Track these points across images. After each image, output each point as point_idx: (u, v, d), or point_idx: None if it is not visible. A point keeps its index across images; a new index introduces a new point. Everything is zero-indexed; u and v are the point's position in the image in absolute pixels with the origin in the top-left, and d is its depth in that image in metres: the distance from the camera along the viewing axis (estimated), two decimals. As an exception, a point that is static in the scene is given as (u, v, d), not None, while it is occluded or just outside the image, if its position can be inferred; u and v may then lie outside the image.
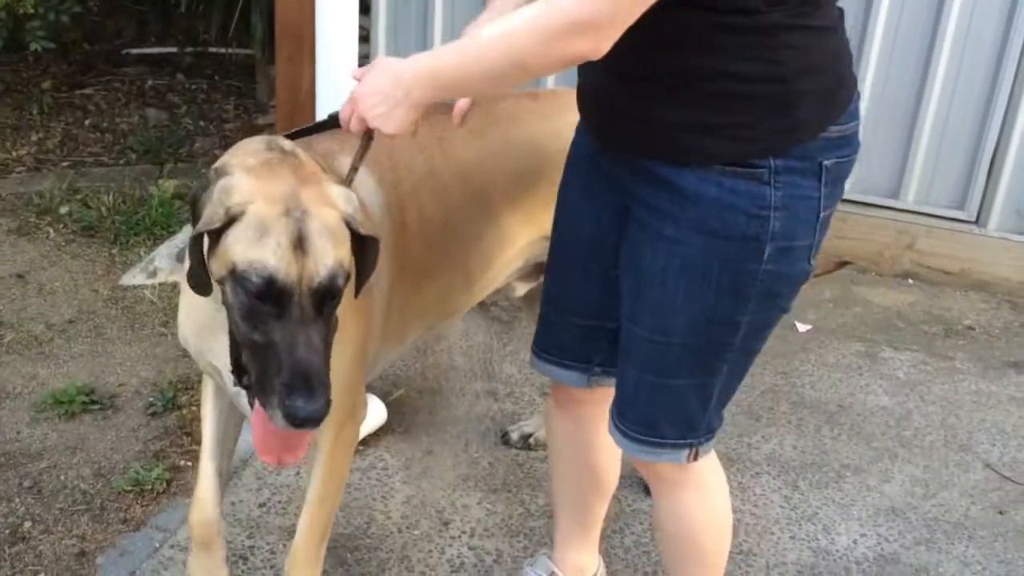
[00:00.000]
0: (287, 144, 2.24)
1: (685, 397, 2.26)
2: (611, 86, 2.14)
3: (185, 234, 4.90)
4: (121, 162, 5.81)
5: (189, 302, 2.48)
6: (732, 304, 2.13)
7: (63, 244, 4.87)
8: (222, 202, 2.05)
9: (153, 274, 4.60)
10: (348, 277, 2.11)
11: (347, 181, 2.27)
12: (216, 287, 2.12)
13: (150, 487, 3.30)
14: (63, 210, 5.09)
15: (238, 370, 2.17)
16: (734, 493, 3.40)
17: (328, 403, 2.03)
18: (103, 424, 3.64)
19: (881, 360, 4.37)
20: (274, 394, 2.02)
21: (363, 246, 2.18)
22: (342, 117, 2.20)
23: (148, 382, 3.87)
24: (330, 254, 2.04)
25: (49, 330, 4.17)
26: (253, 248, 2.01)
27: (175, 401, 3.73)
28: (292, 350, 2.01)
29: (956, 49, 4.77)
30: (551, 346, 2.55)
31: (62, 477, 3.36)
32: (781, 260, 2.09)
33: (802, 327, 4.54)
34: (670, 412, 2.28)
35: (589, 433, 2.66)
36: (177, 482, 3.34)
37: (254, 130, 5.98)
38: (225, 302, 2.11)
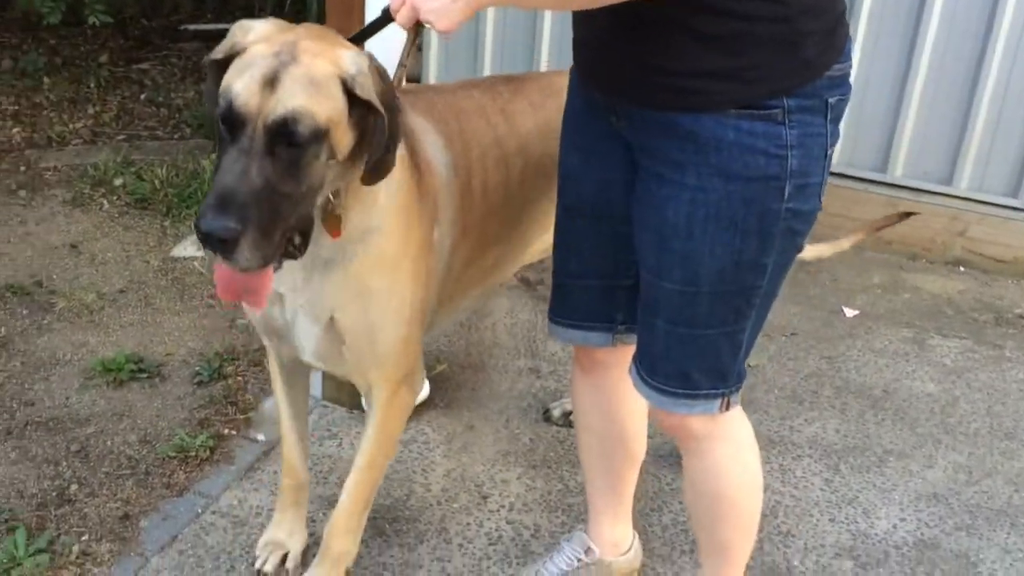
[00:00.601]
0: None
1: (717, 346, 2.27)
2: (616, 40, 2.14)
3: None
4: (175, 136, 5.88)
5: None
6: (759, 246, 2.15)
7: (116, 215, 4.94)
8: (233, 35, 2.12)
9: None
10: (323, 134, 2.05)
11: (396, 80, 2.22)
12: None
13: (194, 454, 3.34)
14: (117, 182, 5.16)
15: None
16: (775, 475, 3.42)
17: (237, 230, 1.96)
18: (150, 392, 3.69)
19: (929, 347, 4.33)
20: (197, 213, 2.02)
21: (372, 123, 2.13)
22: (392, 5, 2.11)
23: (195, 352, 3.92)
24: (298, 97, 2.01)
25: (100, 299, 4.23)
26: (231, 78, 2.04)
27: (221, 371, 3.78)
28: (223, 173, 2.00)
29: (1011, 38, 4.71)
30: (571, 311, 2.57)
31: (108, 442, 3.42)
32: (799, 197, 2.12)
33: (850, 312, 4.51)
34: (703, 362, 2.29)
35: (615, 397, 2.68)
36: (220, 450, 3.39)
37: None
38: None
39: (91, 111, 6.08)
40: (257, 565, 2.94)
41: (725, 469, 2.48)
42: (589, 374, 2.69)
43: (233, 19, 2.31)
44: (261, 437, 3.47)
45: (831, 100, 2.11)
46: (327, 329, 2.46)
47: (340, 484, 3.16)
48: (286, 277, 2.38)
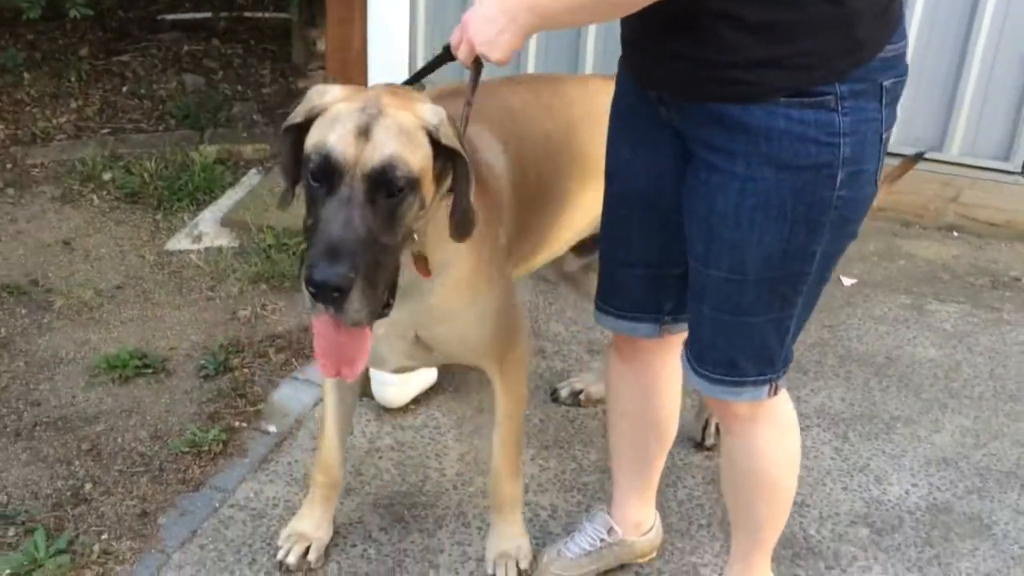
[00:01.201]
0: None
1: (764, 333, 2.28)
2: (664, 35, 2.13)
3: (229, 199, 4.93)
4: (160, 128, 5.83)
5: None
6: (807, 234, 2.15)
7: (107, 210, 4.90)
8: (310, 100, 2.18)
9: (198, 239, 4.64)
10: (416, 183, 2.11)
11: (463, 118, 2.29)
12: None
13: (207, 448, 3.33)
14: (106, 177, 5.12)
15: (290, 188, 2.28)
16: (786, 445, 3.42)
17: (352, 278, 2.01)
18: (157, 387, 3.67)
19: (928, 312, 4.35)
20: (305, 267, 2.05)
21: (455, 166, 2.20)
22: (452, 42, 2.20)
23: (199, 345, 3.91)
24: (391, 145, 2.07)
25: (98, 296, 4.21)
26: (322, 134, 2.10)
27: (227, 364, 3.77)
28: (329, 224, 2.04)
29: (1000, 1, 4.71)
30: (619, 300, 2.57)
31: (119, 440, 3.40)
32: (852, 185, 2.11)
33: (847, 281, 4.53)
34: (750, 350, 2.30)
35: (654, 384, 2.69)
36: (233, 443, 3.38)
37: (292, 94, 5.99)
38: None
39: (74, 105, 6.02)
40: (280, 556, 2.94)
41: (767, 450, 2.49)
42: (630, 362, 2.68)
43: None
44: (272, 429, 3.46)
45: (886, 83, 2.09)
46: (413, 343, 2.55)
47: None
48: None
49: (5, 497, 3.15)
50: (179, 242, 4.64)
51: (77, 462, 3.29)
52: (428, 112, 2.17)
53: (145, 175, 5.07)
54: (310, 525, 2.97)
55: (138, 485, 3.20)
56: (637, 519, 2.93)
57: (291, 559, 2.93)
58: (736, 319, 2.26)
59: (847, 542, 3.12)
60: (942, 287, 4.55)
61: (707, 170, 2.18)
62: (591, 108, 2.84)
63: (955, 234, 4.99)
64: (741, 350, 2.30)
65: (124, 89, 6.28)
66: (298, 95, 5.71)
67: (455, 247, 2.37)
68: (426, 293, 2.44)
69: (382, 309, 2.19)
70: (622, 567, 2.97)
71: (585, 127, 2.86)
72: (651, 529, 2.97)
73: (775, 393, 2.38)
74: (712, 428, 3.37)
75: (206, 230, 4.69)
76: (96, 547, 2.95)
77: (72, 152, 5.42)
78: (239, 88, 6.40)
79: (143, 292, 4.26)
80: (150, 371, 3.74)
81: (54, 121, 5.83)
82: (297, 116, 2.19)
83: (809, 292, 2.27)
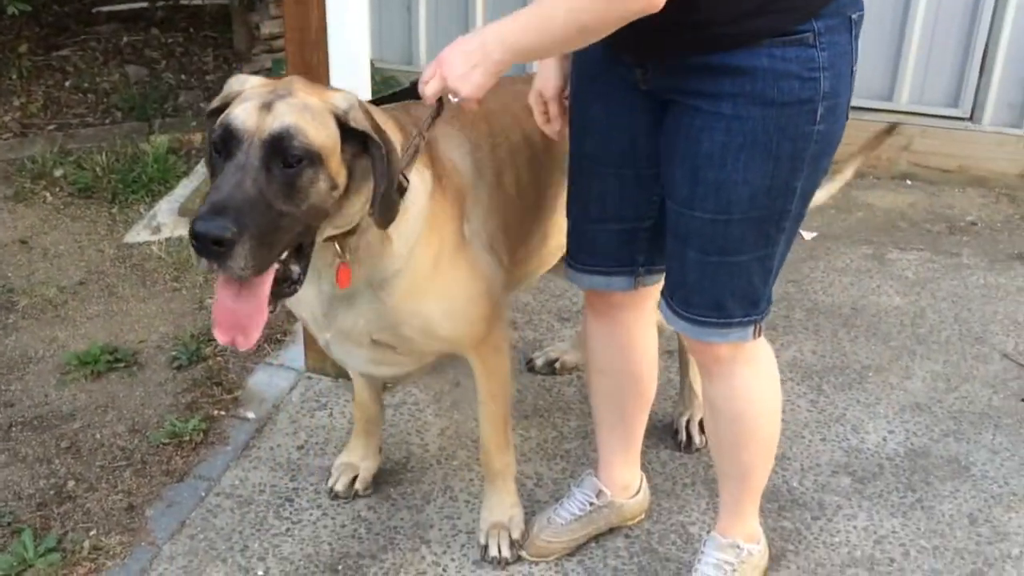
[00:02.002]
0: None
1: (749, 272, 2.33)
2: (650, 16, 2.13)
3: (184, 188, 4.89)
4: (107, 121, 5.76)
5: None
6: (790, 170, 2.21)
7: (61, 207, 4.84)
8: (229, 87, 2.24)
9: (157, 230, 4.59)
10: (316, 158, 2.11)
11: (413, 147, 2.34)
12: None
13: (188, 438, 3.31)
14: (57, 173, 5.06)
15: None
16: (764, 400, 3.46)
17: (233, 231, 1.99)
18: (130, 381, 3.64)
19: (889, 261, 4.41)
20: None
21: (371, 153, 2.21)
22: (423, 77, 2.24)
23: (168, 337, 3.88)
24: (291, 116, 2.10)
25: (61, 293, 4.16)
26: (229, 110, 2.14)
27: (199, 353, 3.74)
28: (217, 186, 2.05)
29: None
30: (593, 257, 2.60)
31: (98, 435, 3.37)
32: (829, 118, 2.19)
33: (807, 235, 4.58)
34: (737, 290, 2.35)
35: (629, 339, 2.73)
36: (214, 431, 3.36)
37: (238, 79, 5.93)
38: None
39: (16, 103, 5.94)
40: (329, 483, 3.13)
41: (748, 394, 2.53)
42: (603, 317, 2.71)
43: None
44: (251, 415, 3.44)
45: (853, 16, 2.18)
46: (372, 348, 2.57)
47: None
48: (304, 306, 2.51)
49: (-14, 500, 3.12)
50: (138, 234, 4.60)
51: (57, 460, 3.26)
52: (338, 98, 2.20)
53: (97, 169, 5.01)
54: (357, 456, 3.13)
55: (122, 479, 3.18)
56: (624, 480, 2.96)
57: (339, 487, 3.10)
58: (723, 260, 2.31)
59: (830, 492, 3.17)
60: (901, 235, 4.61)
61: (691, 114, 2.22)
62: None
63: (909, 182, 5.06)
64: (728, 291, 2.35)
65: (67, 84, 6.20)
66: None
67: (402, 255, 2.40)
68: (377, 299, 2.45)
69: (287, 285, 2.21)
70: (612, 531, 3.00)
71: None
72: (638, 491, 3.00)
73: (759, 334, 2.44)
74: (696, 425, 3.33)
75: (164, 221, 4.65)
76: (86, 543, 2.92)
77: (20, 150, 5.35)
78: (183, 77, 6.33)
79: (107, 287, 4.22)
80: (122, 365, 3.71)
81: (-2, 120, 5.75)
82: (215, 102, 2.23)
83: (789, 230, 2.33)
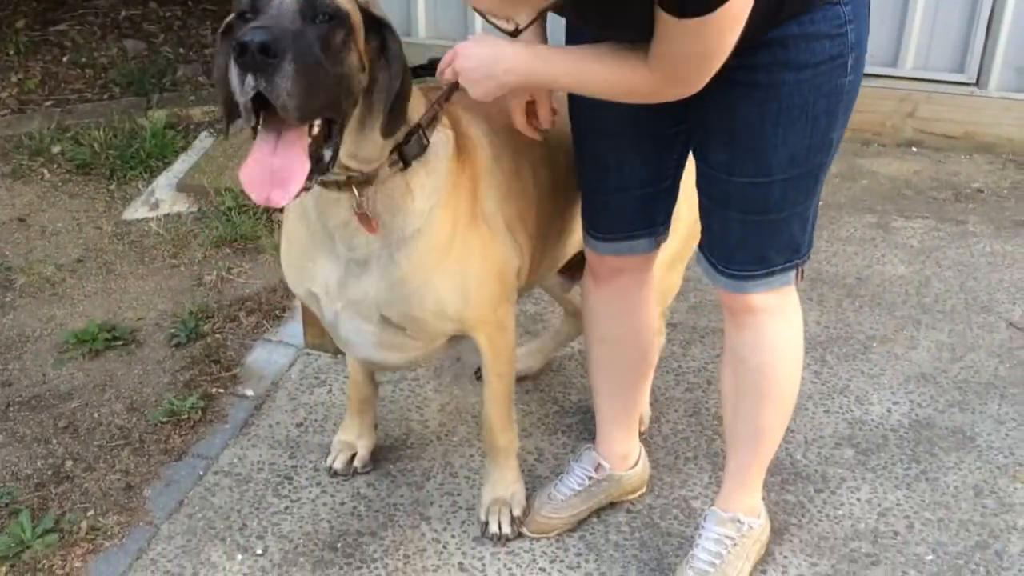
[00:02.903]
0: None
1: (791, 226, 2.34)
2: None
3: (183, 163, 4.85)
4: (105, 96, 5.72)
5: (289, 229, 2.61)
6: (826, 125, 2.22)
7: (59, 184, 4.81)
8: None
9: (155, 206, 4.56)
10: (344, 18, 2.10)
11: (428, 116, 2.36)
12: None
13: (186, 417, 3.29)
14: (55, 149, 5.02)
15: (228, 113, 2.21)
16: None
17: (282, 41, 1.94)
18: (128, 359, 3.62)
19: (894, 230, 4.37)
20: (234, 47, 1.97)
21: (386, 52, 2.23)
22: (441, 63, 2.29)
23: (167, 314, 3.85)
24: None
25: (59, 271, 4.14)
26: None
27: (198, 331, 3.72)
28: (257, 23, 1.99)
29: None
30: (615, 225, 2.58)
31: (95, 415, 3.35)
32: (857, 67, 2.21)
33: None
34: (779, 243, 2.35)
35: (632, 304, 2.71)
36: (212, 409, 3.34)
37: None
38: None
39: (14, 79, 5.90)
40: (328, 462, 3.12)
41: (774, 343, 2.51)
42: (606, 283, 2.69)
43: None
44: (250, 392, 3.42)
45: None
46: (381, 325, 2.55)
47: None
48: (318, 276, 2.50)
49: (-16, 481, 3.11)
50: (136, 211, 4.57)
51: (55, 440, 3.24)
52: None
53: (95, 145, 4.98)
54: (352, 435, 3.12)
55: (120, 459, 3.16)
56: (623, 451, 2.93)
57: (338, 464, 3.10)
58: (765, 218, 2.31)
59: (834, 464, 3.14)
60: (906, 204, 4.56)
61: (725, 86, 2.18)
62: None
63: (914, 149, 5.01)
64: (771, 245, 2.35)
65: (65, 59, 6.16)
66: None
67: (423, 212, 2.40)
68: (392, 263, 2.43)
69: (318, 164, 2.13)
70: (613, 506, 2.97)
71: None
72: (637, 462, 2.97)
73: (802, 277, 2.45)
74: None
75: (163, 197, 4.62)
76: (83, 524, 2.91)
77: (17, 127, 5.32)
78: (181, 51, 6.29)
79: (105, 264, 4.19)
80: (120, 343, 3.68)
81: (-5, 96, 5.71)
82: (230, 18, 2.17)
83: (824, 178, 2.35)
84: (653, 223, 2.58)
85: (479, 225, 2.53)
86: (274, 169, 2.07)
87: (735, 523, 2.71)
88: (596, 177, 2.56)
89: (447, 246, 2.46)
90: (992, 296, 3.92)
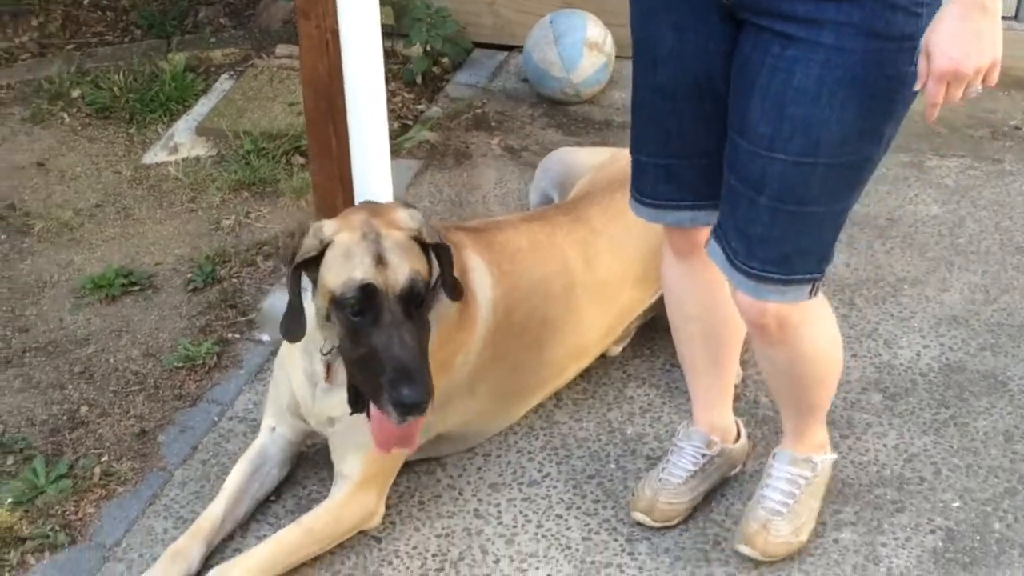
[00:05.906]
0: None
1: (823, 226, 2.21)
2: None
3: (202, 106, 4.79)
4: (126, 39, 5.66)
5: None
6: (882, 112, 2.09)
7: (79, 128, 4.76)
8: (316, 235, 2.46)
9: (175, 150, 4.51)
10: (428, 284, 2.47)
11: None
12: (310, 332, 2.55)
13: (201, 362, 3.26)
14: (75, 93, 4.97)
15: (353, 400, 2.50)
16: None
17: (429, 390, 2.34)
18: (145, 304, 3.59)
19: (928, 169, 4.25)
20: (383, 392, 2.34)
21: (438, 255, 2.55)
22: (929, 95, 1.98)
23: (184, 259, 3.81)
24: (405, 265, 2.40)
25: (77, 216, 4.10)
26: (344, 270, 2.39)
27: (214, 275, 3.68)
28: (390, 349, 2.34)
29: None
30: (680, 193, 2.42)
31: (111, 360, 3.33)
32: (918, 58, 1.99)
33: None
34: (806, 244, 2.20)
35: (714, 277, 2.47)
36: (227, 355, 3.30)
37: (258, -7, 5.80)
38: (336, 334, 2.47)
39: (35, 23, 5.83)
40: None
41: (810, 353, 2.42)
42: (687, 258, 2.56)
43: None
44: (266, 337, 3.38)
45: None
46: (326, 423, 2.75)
47: (311, 498, 2.83)
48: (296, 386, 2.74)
49: (1, 426, 3.08)
50: (155, 155, 4.52)
51: (70, 386, 3.22)
52: (408, 220, 2.51)
53: (115, 89, 4.91)
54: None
55: (134, 404, 3.13)
56: (724, 424, 2.80)
57: None
58: (799, 208, 2.15)
59: (860, 409, 3.06)
60: (941, 141, 4.44)
61: (782, 43, 2.06)
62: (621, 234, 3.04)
63: (950, 87, 4.87)
64: (797, 245, 2.19)
65: (85, 2, 6.08)
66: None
67: None
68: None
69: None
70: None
71: (614, 255, 3.06)
72: (739, 435, 2.86)
73: (815, 294, 2.29)
74: None
75: (182, 141, 4.56)
76: (97, 470, 2.89)
77: (38, 71, 5.26)
78: (203, -8, 6.20)
79: (123, 209, 4.15)
80: (137, 288, 3.65)
81: (16, 40, 5.66)
82: (307, 254, 2.44)
83: (866, 182, 2.21)
84: (714, 196, 2.36)
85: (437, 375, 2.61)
86: (400, 434, 2.45)
87: (808, 463, 2.62)
88: (659, 141, 2.38)
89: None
90: (1028, 236, 3.82)
